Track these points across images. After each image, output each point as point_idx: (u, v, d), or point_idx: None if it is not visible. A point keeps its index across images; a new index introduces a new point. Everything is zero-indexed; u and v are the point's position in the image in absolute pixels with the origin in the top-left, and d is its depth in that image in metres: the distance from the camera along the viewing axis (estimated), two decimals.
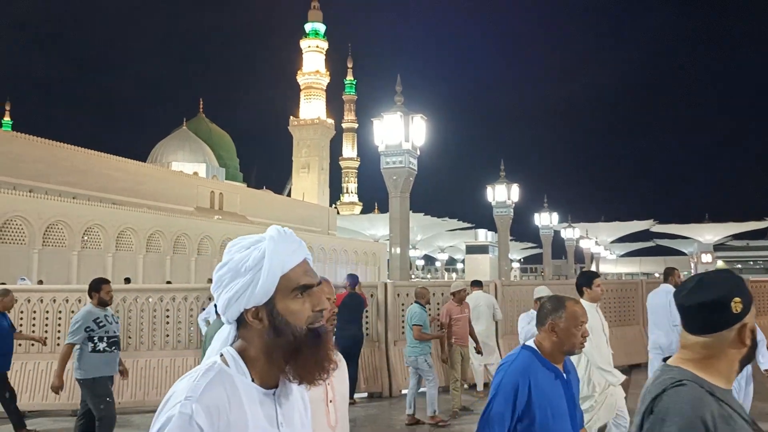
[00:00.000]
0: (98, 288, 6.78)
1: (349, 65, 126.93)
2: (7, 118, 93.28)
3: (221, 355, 1.54)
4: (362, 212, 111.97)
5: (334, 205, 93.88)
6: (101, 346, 6.57)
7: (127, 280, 26.21)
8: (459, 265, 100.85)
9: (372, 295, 10.75)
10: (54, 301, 9.50)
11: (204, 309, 9.60)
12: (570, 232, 55.08)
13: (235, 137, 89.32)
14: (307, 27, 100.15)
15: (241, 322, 1.55)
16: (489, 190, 31.60)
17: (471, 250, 55.85)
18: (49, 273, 36.50)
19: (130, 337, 9.54)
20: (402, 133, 17.90)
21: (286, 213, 74.52)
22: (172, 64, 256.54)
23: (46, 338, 8.92)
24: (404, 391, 9.76)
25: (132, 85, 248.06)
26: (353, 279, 10.09)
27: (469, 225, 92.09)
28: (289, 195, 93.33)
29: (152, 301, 9.61)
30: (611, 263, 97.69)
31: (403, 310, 10.64)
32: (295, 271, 1.55)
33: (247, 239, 1.58)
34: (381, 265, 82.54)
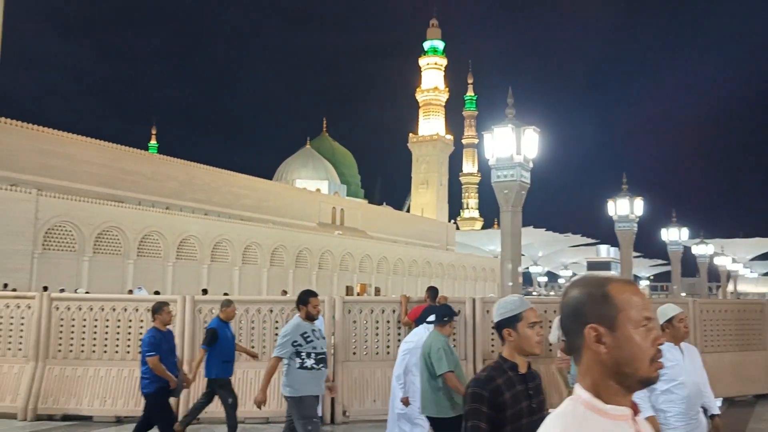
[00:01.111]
0: (306, 301, 6.32)
1: (470, 81, 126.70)
2: (153, 142, 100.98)
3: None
4: (482, 228, 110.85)
5: (453, 221, 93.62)
6: (309, 362, 6.15)
7: (205, 292, 25.71)
8: None
9: (459, 311, 10.23)
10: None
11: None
12: (702, 249, 51.60)
13: (356, 154, 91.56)
14: (426, 45, 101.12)
15: None
16: (610, 203, 30.18)
17: (592, 266, 53.45)
18: (181, 285, 38.97)
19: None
20: (513, 145, 17.46)
21: (404, 228, 75.20)
22: (297, 85, 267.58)
23: (256, 354, 9.07)
24: None
25: (260, 105, 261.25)
26: (433, 292, 9.65)
27: (592, 241, 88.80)
28: (408, 211, 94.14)
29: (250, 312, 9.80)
30: (751, 282, 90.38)
31: (494, 327, 10.19)
32: None
33: None
34: (498, 280, 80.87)
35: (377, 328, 9.98)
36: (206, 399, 8.34)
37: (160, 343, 7.18)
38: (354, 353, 9.88)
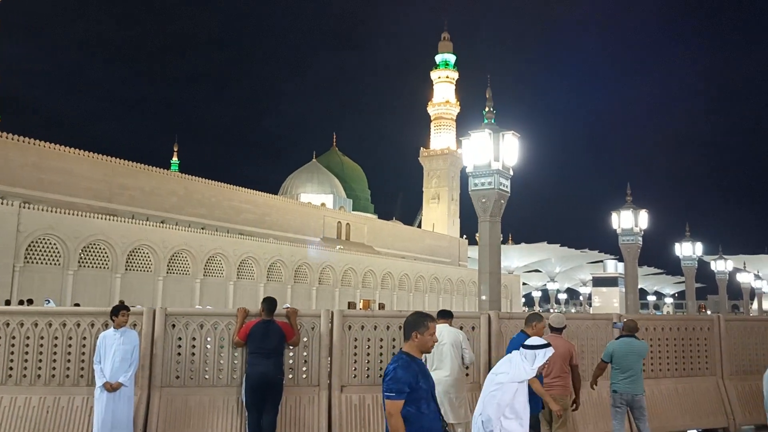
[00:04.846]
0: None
1: (488, 96, 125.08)
2: (174, 159, 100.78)
3: None
4: (502, 244, 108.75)
5: (465, 236, 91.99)
6: None
7: (29, 302, 22.32)
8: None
9: (313, 327, 8.56)
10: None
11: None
12: (721, 265, 49.70)
13: (368, 169, 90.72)
14: (438, 58, 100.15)
15: None
16: (614, 216, 28.93)
17: (598, 282, 51.52)
18: (173, 299, 37.94)
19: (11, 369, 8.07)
20: (491, 152, 16.34)
21: (414, 243, 73.82)
22: (308, 101, 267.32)
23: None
24: None
25: (282, 123, 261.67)
26: (269, 304, 8.12)
27: (612, 257, 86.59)
28: (419, 226, 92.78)
29: (40, 327, 8.05)
30: None
31: (355, 345, 8.61)
32: None
33: None
34: (513, 298, 79.41)
35: (208, 347, 8.29)
36: None
37: (416, 379, 4.46)
38: (177, 377, 8.13)
